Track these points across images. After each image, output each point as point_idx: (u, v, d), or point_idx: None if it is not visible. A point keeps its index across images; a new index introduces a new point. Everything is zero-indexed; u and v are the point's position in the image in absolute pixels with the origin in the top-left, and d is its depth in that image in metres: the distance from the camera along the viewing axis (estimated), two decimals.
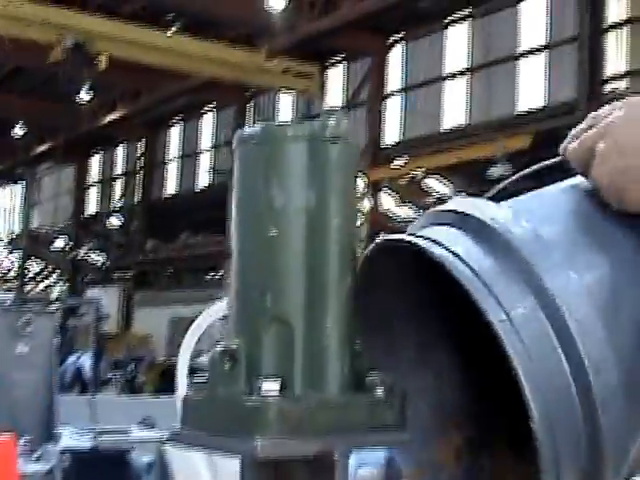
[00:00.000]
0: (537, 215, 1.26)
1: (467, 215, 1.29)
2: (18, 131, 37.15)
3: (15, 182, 47.57)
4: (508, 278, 1.20)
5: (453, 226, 1.30)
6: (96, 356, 18.22)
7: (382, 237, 1.35)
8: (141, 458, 8.05)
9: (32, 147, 39.59)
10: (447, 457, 1.46)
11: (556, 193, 1.35)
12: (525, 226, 1.22)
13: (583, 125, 1.29)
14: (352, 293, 1.35)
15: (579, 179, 1.32)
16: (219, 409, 1.30)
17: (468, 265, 1.22)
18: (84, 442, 8.87)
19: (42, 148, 38.96)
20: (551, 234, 1.23)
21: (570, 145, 1.28)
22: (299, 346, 1.32)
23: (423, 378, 1.48)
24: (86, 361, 19.28)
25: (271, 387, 1.26)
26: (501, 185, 1.54)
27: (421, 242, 1.26)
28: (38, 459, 8.10)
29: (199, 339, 4.14)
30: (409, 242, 1.29)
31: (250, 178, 1.36)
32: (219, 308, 4.14)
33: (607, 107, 1.29)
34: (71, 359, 20.19)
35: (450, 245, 1.25)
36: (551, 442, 1.16)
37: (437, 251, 1.24)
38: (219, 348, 1.33)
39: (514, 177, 1.51)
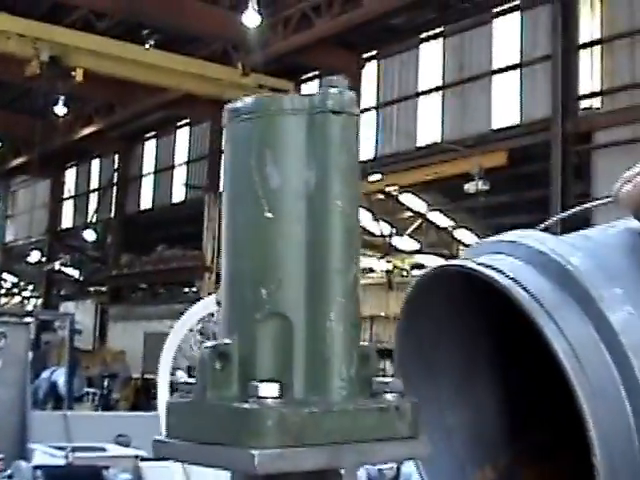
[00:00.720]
0: (593, 252, 1.23)
1: (528, 246, 1.25)
2: None
3: None
4: (569, 307, 1.16)
5: (512, 256, 1.26)
6: (70, 371, 18.05)
7: (441, 264, 1.30)
8: (117, 476, 7.77)
9: (7, 160, 39.42)
10: None
11: (607, 233, 1.32)
12: (585, 259, 1.19)
13: (637, 169, 1.23)
14: (358, 284, 1.21)
15: (627, 223, 1.30)
16: (209, 416, 1.15)
17: (530, 293, 1.18)
18: (57, 459, 8.56)
19: (17, 161, 38.77)
20: (610, 270, 1.19)
21: (624, 188, 1.23)
22: (299, 344, 1.17)
23: (461, 413, 1.43)
24: (60, 376, 19.08)
25: (269, 390, 1.11)
26: (555, 218, 1.53)
27: (485, 270, 1.22)
28: (10, 477, 7.79)
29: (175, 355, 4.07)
30: (472, 269, 1.24)
31: (242, 156, 1.21)
32: (200, 308, 4.02)
33: None
34: (45, 374, 20.00)
35: (513, 274, 1.21)
36: None
37: (500, 279, 1.20)
38: (209, 346, 1.18)
39: (564, 214, 1.53)
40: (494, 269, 1.23)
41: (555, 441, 1.33)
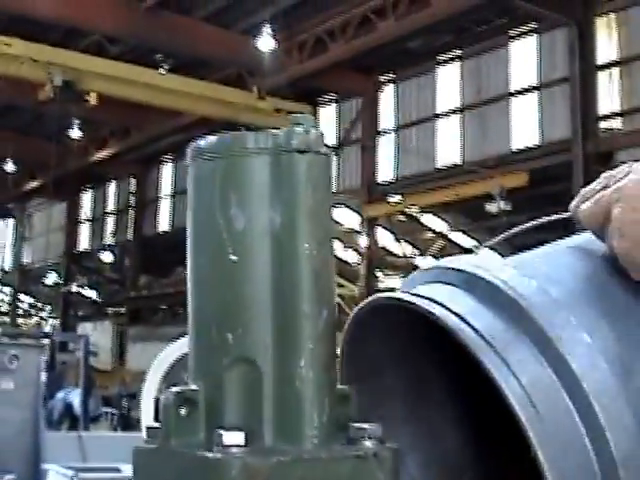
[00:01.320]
0: (544, 274, 1.20)
1: (469, 274, 1.20)
2: (9, 167, 37.10)
3: (5, 217, 47.52)
4: (516, 339, 1.12)
5: (454, 285, 1.21)
6: (85, 392, 18.07)
7: (377, 296, 1.24)
8: None
9: (22, 183, 39.54)
10: None
11: (563, 253, 1.29)
12: (532, 285, 1.16)
13: (595, 185, 1.24)
14: (331, 327, 1.17)
15: (583, 238, 1.28)
16: (173, 464, 1.12)
17: (472, 327, 1.13)
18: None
19: (33, 184, 38.92)
20: (560, 295, 1.16)
21: (583, 205, 1.24)
22: (268, 391, 1.13)
23: (411, 438, 1.37)
24: (75, 397, 19.11)
25: (234, 439, 1.07)
26: (502, 236, 1.51)
27: (421, 302, 1.16)
28: None
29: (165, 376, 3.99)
30: (408, 302, 1.18)
31: (206, 197, 1.17)
32: (183, 343, 3.97)
33: (621, 168, 1.23)
34: (60, 395, 20.04)
35: (453, 306, 1.16)
36: None
37: (440, 312, 1.15)
38: (174, 392, 1.14)
39: (515, 230, 1.48)
40: (434, 301, 1.17)
41: (510, 469, 1.31)
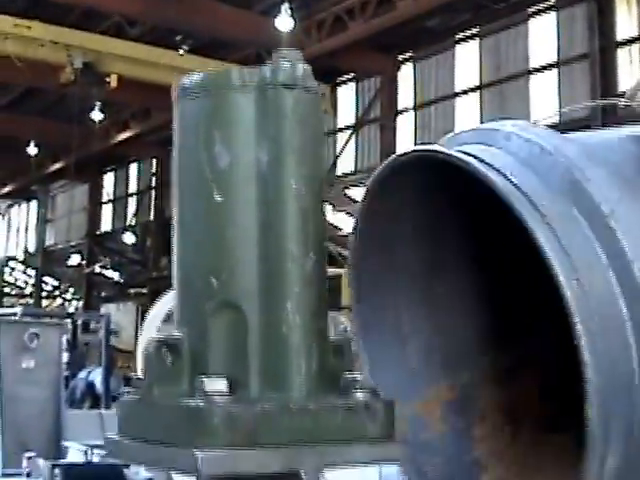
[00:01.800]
0: (600, 153, 1.14)
1: (515, 135, 1.17)
2: (32, 150, 37.21)
3: (29, 200, 47.67)
4: (565, 209, 1.07)
5: (490, 145, 1.18)
6: (106, 371, 18.17)
7: (412, 148, 1.23)
8: (138, 474, 7.59)
9: (45, 166, 39.62)
10: (432, 413, 1.31)
11: (620, 137, 1.24)
12: (585, 158, 1.11)
13: None
14: (320, 271, 1.10)
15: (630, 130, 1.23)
16: (156, 414, 1.06)
17: (520, 189, 1.08)
18: (79, 457, 8.47)
19: (55, 167, 38.99)
20: (615, 174, 1.11)
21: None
22: (254, 337, 1.07)
23: (418, 322, 1.33)
24: (97, 376, 19.20)
25: (217, 385, 1.01)
26: (555, 113, 1.37)
27: (459, 155, 1.12)
28: (28, 475, 7.67)
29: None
30: (444, 154, 1.15)
31: (190, 136, 1.13)
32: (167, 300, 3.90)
33: None
34: (82, 374, 20.16)
35: (495, 163, 1.12)
36: (603, 412, 1.03)
37: (480, 167, 1.10)
38: (157, 340, 1.09)
39: (569, 107, 1.37)
40: (466, 154, 1.12)
41: (520, 362, 1.27)
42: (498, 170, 1.10)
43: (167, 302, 3.43)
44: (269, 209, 1.08)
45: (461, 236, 1.33)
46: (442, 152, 1.17)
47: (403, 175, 1.22)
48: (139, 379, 1.11)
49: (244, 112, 1.07)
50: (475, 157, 1.14)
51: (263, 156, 1.07)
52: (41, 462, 7.68)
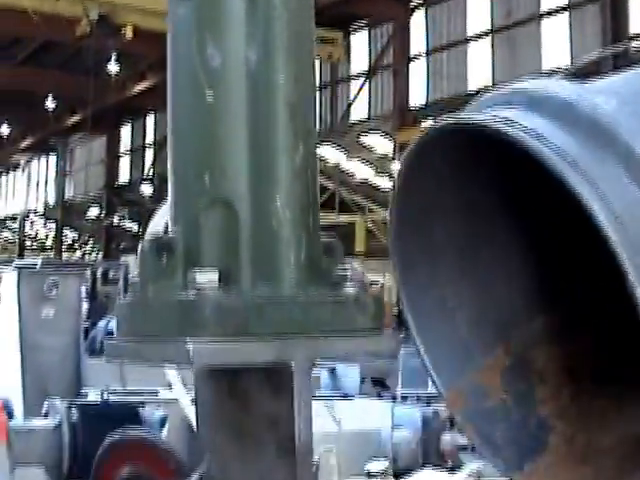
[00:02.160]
0: (627, 97, 1.12)
1: (535, 93, 1.12)
2: (49, 103, 37.27)
3: (48, 153, 47.76)
4: (598, 158, 1.05)
5: (518, 108, 1.13)
6: None
7: (441, 119, 1.15)
8: (153, 413, 7.71)
9: (64, 119, 39.67)
10: (492, 381, 1.32)
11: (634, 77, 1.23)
12: (612, 103, 1.09)
13: None
14: (309, 166, 1.11)
15: None
16: (151, 310, 1.08)
17: (550, 144, 1.05)
18: (94, 398, 8.34)
19: (73, 120, 39.03)
20: (630, 105, 1.09)
21: None
22: (245, 231, 1.09)
23: (463, 292, 1.32)
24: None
25: (208, 277, 1.03)
26: (579, 63, 1.40)
27: (505, 128, 1.08)
28: (45, 415, 7.57)
29: None
30: (478, 123, 1.10)
31: (182, 38, 1.15)
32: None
33: None
34: (102, 323, 20.37)
35: (524, 122, 1.09)
36: None
37: (514, 131, 1.07)
38: (150, 239, 1.10)
39: (594, 55, 1.41)
40: (509, 121, 1.08)
41: (571, 322, 1.24)
42: (533, 132, 1.08)
43: (165, 212, 3.35)
44: (258, 104, 1.09)
45: (499, 203, 1.30)
46: (488, 126, 1.11)
47: (437, 148, 1.18)
48: (134, 282, 1.12)
49: (233, 10, 1.08)
50: (519, 126, 1.09)
51: (252, 55, 1.09)
52: (57, 402, 7.61)
